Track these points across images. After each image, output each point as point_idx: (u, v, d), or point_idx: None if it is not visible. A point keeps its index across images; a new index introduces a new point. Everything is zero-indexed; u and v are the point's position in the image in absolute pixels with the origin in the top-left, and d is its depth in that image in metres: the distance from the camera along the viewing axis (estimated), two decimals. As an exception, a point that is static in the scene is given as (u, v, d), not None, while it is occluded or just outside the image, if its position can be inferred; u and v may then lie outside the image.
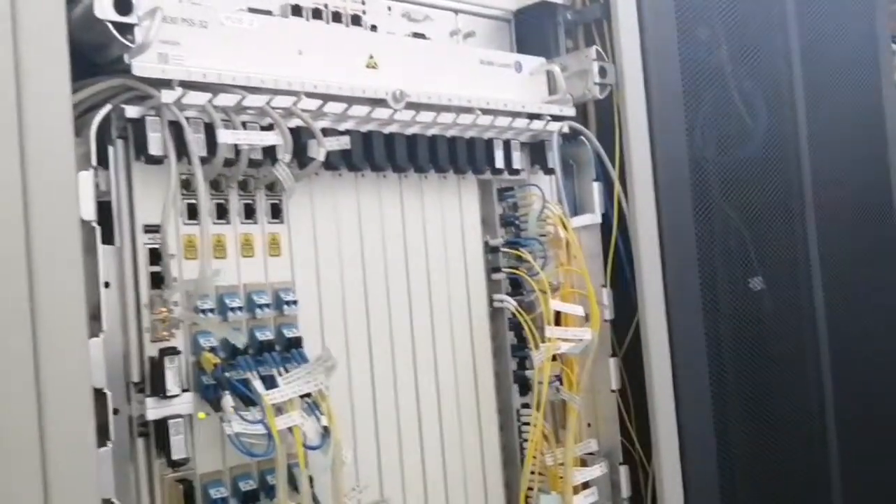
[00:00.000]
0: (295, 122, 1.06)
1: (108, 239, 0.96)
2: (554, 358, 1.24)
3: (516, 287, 1.28)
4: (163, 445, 0.96)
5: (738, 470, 1.38)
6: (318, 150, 1.06)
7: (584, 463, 1.27)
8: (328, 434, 1.03)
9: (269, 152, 1.04)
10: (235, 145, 1.01)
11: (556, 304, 1.21)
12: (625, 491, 1.32)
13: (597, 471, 1.25)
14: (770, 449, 1.45)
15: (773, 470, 1.44)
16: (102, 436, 0.92)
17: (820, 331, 1.55)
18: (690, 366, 1.32)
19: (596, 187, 1.35)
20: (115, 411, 0.94)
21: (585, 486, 1.26)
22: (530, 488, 1.22)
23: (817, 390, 1.54)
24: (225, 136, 0.99)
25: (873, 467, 1.62)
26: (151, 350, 0.97)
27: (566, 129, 1.31)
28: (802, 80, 1.57)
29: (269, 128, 1.04)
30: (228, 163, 1.01)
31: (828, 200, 1.59)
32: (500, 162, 1.26)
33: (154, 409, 0.95)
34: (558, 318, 1.25)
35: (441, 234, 1.24)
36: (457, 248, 1.25)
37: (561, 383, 1.25)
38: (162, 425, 0.96)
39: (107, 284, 0.95)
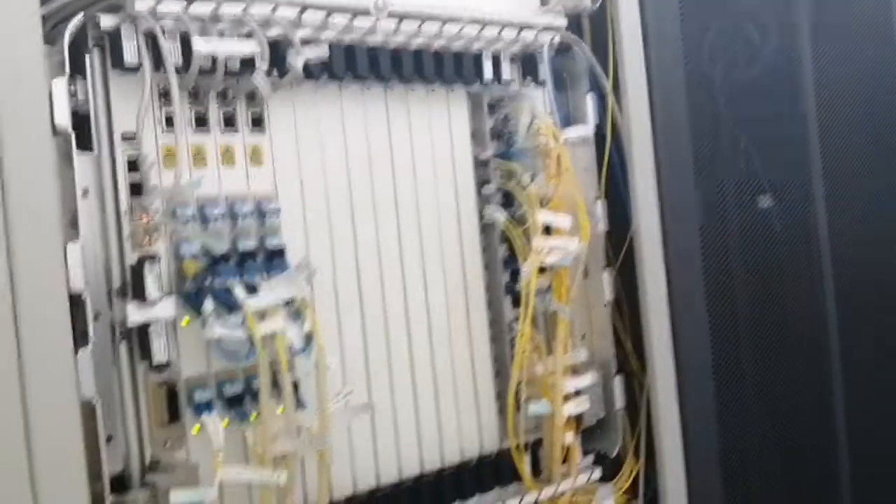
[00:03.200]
0: (274, 32, 1.06)
1: (87, 147, 0.97)
2: (544, 270, 1.24)
3: (508, 200, 1.28)
4: (145, 349, 0.98)
5: (735, 379, 1.37)
6: (297, 59, 1.06)
7: (576, 372, 1.28)
8: (311, 340, 1.05)
9: (248, 62, 1.04)
10: (212, 54, 1.01)
11: (544, 215, 1.21)
12: (619, 401, 1.33)
13: (587, 379, 1.26)
14: (769, 357, 1.44)
15: (771, 377, 1.44)
16: (82, 339, 0.95)
17: (823, 248, 1.52)
18: (685, 277, 1.31)
19: (589, 99, 1.33)
20: (97, 316, 0.96)
21: (578, 394, 1.27)
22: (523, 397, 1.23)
23: (819, 301, 1.52)
24: (200, 45, 1.00)
25: (877, 390, 1.60)
26: (132, 257, 0.98)
27: (557, 40, 1.29)
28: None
29: (248, 37, 1.04)
30: (205, 72, 1.01)
31: (834, 115, 1.55)
32: (489, 73, 1.24)
33: (135, 314, 0.97)
34: (549, 231, 1.25)
35: (429, 146, 1.23)
36: (446, 161, 1.25)
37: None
38: (143, 329, 0.98)
39: (85, 192, 0.97)
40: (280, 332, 1.02)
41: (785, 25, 1.50)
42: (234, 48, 1.02)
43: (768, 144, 1.48)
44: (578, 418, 1.28)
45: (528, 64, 1.30)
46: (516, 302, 1.27)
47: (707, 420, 1.33)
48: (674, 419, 1.29)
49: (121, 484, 0.99)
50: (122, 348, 0.99)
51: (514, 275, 1.27)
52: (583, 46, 1.31)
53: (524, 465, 1.22)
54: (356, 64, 1.13)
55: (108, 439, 0.97)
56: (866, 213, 1.60)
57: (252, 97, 1.07)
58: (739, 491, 1.38)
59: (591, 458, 1.33)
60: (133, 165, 0.99)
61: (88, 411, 0.94)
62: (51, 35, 0.97)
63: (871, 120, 1.65)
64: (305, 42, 1.07)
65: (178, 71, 0.99)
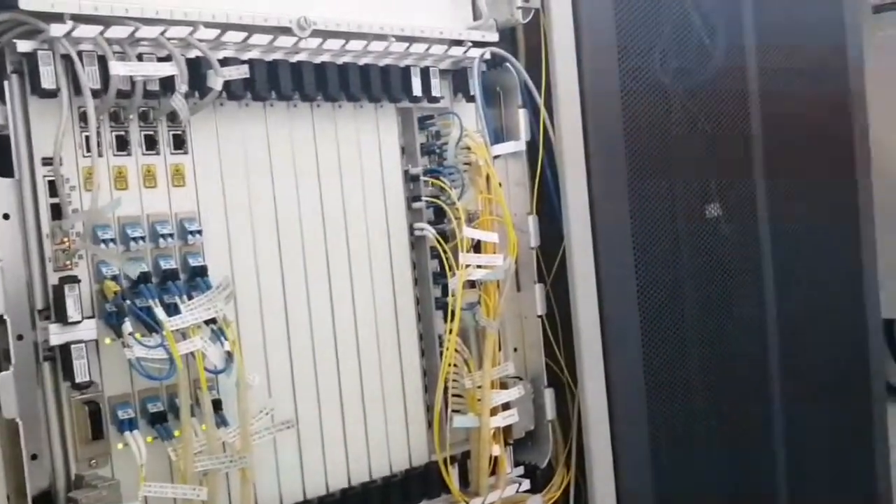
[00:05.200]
0: (195, 53, 1.07)
1: (7, 172, 0.99)
2: (474, 285, 1.26)
3: (440, 215, 1.29)
4: (67, 369, 1.00)
5: (667, 390, 1.39)
6: (216, 80, 1.07)
7: (504, 386, 1.29)
8: (232, 358, 1.06)
9: (168, 83, 1.05)
10: (131, 77, 1.03)
11: (469, 232, 1.22)
12: (549, 413, 1.35)
13: (514, 392, 1.28)
14: (702, 367, 1.45)
15: (705, 387, 1.45)
16: (4, 360, 0.97)
17: (764, 260, 1.53)
18: (617, 290, 1.32)
19: (522, 114, 1.34)
20: (20, 337, 0.98)
21: (507, 407, 1.28)
22: (451, 410, 1.25)
23: (759, 310, 1.53)
24: (117, 69, 1.01)
25: (813, 395, 1.62)
26: (53, 279, 1.00)
27: (488, 56, 1.30)
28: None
29: (168, 58, 1.05)
30: (124, 94, 1.03)
31: (777, 128, 1.56)
32: (417, 90, 1.25)
33: (57, 335, 0.99)
34: (480, 246, 1.27)
35: (357, 162, 1.24)
36: (375, 177, 1.26)
37: (483, 309, 1.26)
38: (65, 350, 0.99)
39: (6, 216, 0.98)
40: (200, 352, 1.04)
41: (730, 28, 1.50)
42: (151, 70, 1.04)
43: (712, 149, 1.49)
44: (507, 431, 1.30)
45: (458, 79, 1.31)
46: (447, 316, 1.28)
47: (638, 431, 1.34)
48: (604, 430, 1.31)
49: (46, 501, 1.00)
50: (46, 368, 1.01)
51: (445, 289, 1.28)
52: (513, 61, 1.32)
53: (451, 478, 1.24)
54: (279, 83, 1.14)
55: (33, 457, 0.99)
56: (807, 222, 1.61)
57: (173, 118, 1.09)
58: (670, 501, 1.39)
59: (521, 469, 1.35)
60: (53, 189, 1.01)
61: (12, 431, 0.97)
62: (-31, 62, 0.99)
63: (814, 122, 1.66)
64: (226, 62, 1.09)
65: (97, 94, 1.00)
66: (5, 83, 0.98)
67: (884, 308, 1.80)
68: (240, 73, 1.09)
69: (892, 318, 2.42)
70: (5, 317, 0.96)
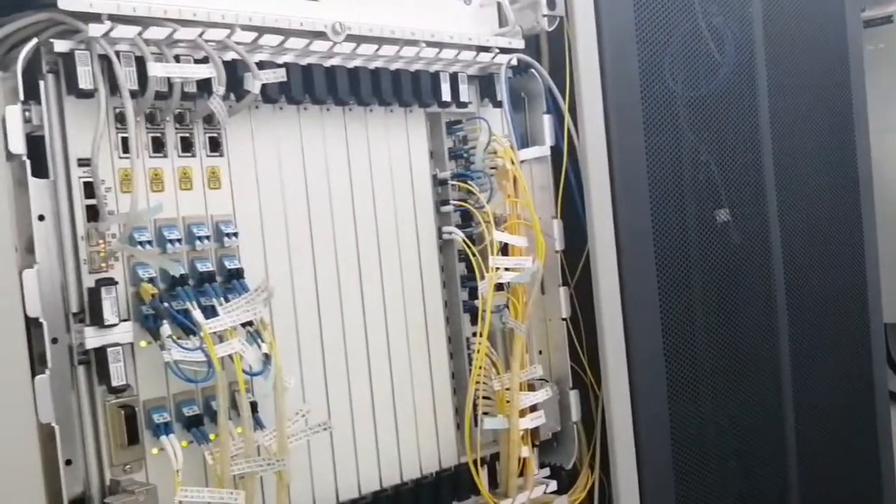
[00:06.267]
0: (231, 55, 1.07)
1: (43, 173, 0.98)
2: (501, 288, 1.26)
3: (467, 219, 1.30)
4: (103, 373, 0.99)
5: (689, 392, 1.40)
6: (253, 83, 1.07)
7: (532, 388, 1.30)
8: (269, 361, 1.06)
9: (205, 85, 1.05)
10: (168, 78, 1.02)
11: (499, 235, 1.23)
12: (574, 414, 1.35)
13: (542, 394, 1.28)
14: (723, 369, 1.47)
15: (725, 389, 1.47)
16: (40, 364, 0.96)
17: (775, 264, 1.55)
18: (640, 293, 1.33)
19: (546, 120, 1.35)
20: (55, 340, 0.96)
21: (534, 409, 1.29)
22: (480, 412, 1.25)
23: (773, 314, 1.55)
24: (155, 70, 1.00)
25: (822, 391, 1.64)
26: (89, 281, 0.99)
27: (514, 62, 1.31)
28: (762, 13, 1.55)
29: (205, 60, 1.05)
30: (161, 96, 1.02)
31: (786, 137, 1.58)
32: (446, 95, 1.26)
33: (93, 338, 0.98)
34: (507, 250, 1.27)
35: (388, 166, 1.25)
36: (404, 181, 1.26)
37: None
38: (101, 353, 0.98)
39: (41, 217, 0.97)
40: (238, 354, 1.03)
41: (741, 40, 1.53)
42: (189, 72, 1.03)
43: (726, 158, 1.51)
44: (534, 432, 1.30)
45: (485, 85, 1.32)
46: (475, 319, 1.29)
47: (661, 432, 1.36)
48: (628, 432, 1.32)
49: (81, 506, 1.00)
50: (81, 372, 1.00)
51: (473, 292, 1.29)
52: (539, 68, 1.33)
53: (481, 480, 1.24)
54: (314, 86, 1.14)
55: (68, 462, 0.98)
56: (815, 225, 1.64)
57: (209, 120, 1.08)
58: (692, 501, 1.41)
59: (546, 470, 1.36)
60: (89, 190, 1.00)
61: (47, 435, 0.96)
62: (4, 61, 0.98)
63: (823, 128, 1.69)
64: (261, 65, 1.08)
65: (133, 95, 1.00)
66: (41, 83, 0.97)
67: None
68: (277, 76, 1.09)
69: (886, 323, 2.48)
70: (41, 319, 0.95)
